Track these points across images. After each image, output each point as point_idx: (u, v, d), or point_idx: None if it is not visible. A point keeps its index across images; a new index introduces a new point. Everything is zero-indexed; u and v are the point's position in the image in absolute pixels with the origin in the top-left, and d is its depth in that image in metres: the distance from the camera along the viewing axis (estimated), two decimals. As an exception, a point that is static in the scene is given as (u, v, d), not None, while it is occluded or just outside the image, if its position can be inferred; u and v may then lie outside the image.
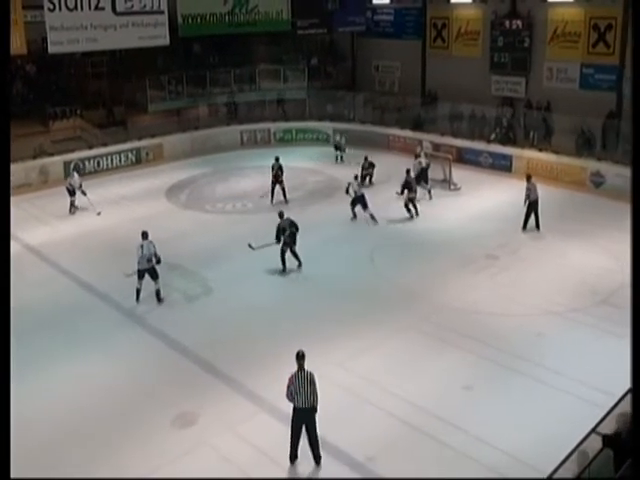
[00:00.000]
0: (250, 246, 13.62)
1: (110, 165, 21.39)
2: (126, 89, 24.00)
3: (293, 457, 7.96)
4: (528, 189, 15.24)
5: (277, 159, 18.14)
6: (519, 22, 22.39)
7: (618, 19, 19.95)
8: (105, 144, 21.60)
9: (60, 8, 17.99)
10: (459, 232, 15.40)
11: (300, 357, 7.87)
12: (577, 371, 9.67)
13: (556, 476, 6.65)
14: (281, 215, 13.57)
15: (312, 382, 7.79)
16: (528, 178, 15.52)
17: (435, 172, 18.51)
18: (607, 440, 6.76)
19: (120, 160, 21.64)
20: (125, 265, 13.81)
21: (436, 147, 21.32)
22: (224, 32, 23.62)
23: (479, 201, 17.81)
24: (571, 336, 10.82)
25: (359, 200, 16.00)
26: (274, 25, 24.55)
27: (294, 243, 13.35)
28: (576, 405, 8.82)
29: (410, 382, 9.58)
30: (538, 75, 22.15)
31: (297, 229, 13.37)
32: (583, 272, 13.08)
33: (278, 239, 13.31)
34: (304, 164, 18.66)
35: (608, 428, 7.02)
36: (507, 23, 22.68)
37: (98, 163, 21.15)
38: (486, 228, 15.59)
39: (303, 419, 7.83)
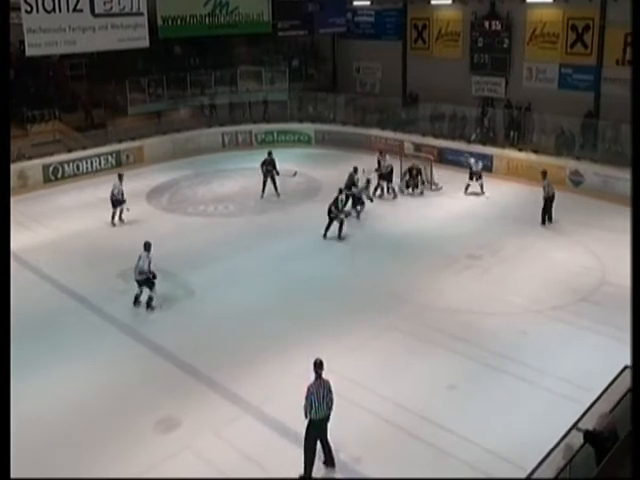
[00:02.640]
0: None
1: (90, 168, 21.20)
2: (106, 92, 23.79)
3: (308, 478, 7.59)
4: (544, 186, 15.71)
5: (270, 153, 18.29)
6: (498, 23, 22.61)
7: (595, 20, 20.24)
8: (85, 147, 21.40)
9: (37, 10, 17.75)
10: (441, 232, 15.50)
11: (318, 365, 7.64)
12: (558, 368, 9.79)
13: (539, 471, 6.74)
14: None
15: (330, 390, 7.64)
16: (544, 174, 15.93)
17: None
18: (588, 436, 6.85)
19: (100, 163, 21.46)
20: (106, 269, 13.74)
21: (417, 147, 21.43)
22: (204, 34, 23.48)
23: (460, 201, 17.94)
24: (552, 334, 10.94)
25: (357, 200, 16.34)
26: (255, 27, 24.46)
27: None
28: (558, 402, 8.93)
29: (394, 382, 9.62)
30: (517, 75, 22.39)
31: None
32: (564, 270, 13.23)
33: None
34: (286, 166, 18.62)
35: (589, 424, 7.11)
36: (487, 24, 22.90)
37: (78, 167, 20.95)
38: (468, 228, 15.71)
39: (318, 430, 7.60)
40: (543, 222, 15.76)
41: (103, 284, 13.06)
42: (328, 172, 18.03)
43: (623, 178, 16.17)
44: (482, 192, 17.99)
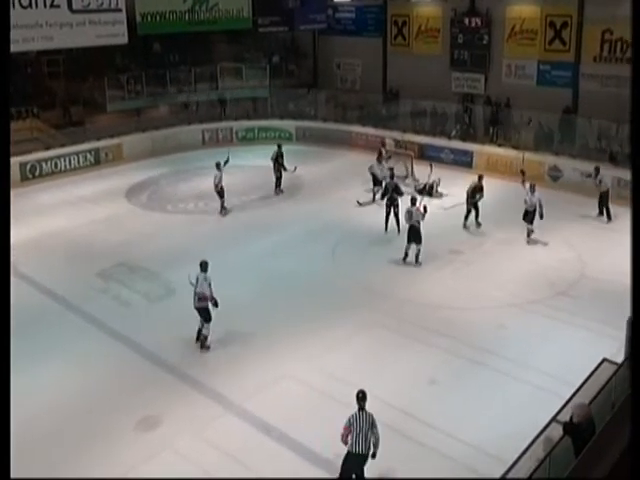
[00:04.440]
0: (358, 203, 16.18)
1: (68, 166, 20.94)
2: (84, 89, 23.54)
3: None
4: (598, 180, 16.14)
5: (279, 146, 18.42)
6: (478, 20, 22.72)
7: (573, 17, 20.44)
8: (63, 145, 21.12)
9: (14, 5, 17.51)
10: (422, 228, 15.50)
11: (361, 398, 7.26)
12: (538, 362, 9.89)
13: (520, 464, 6.80)
14: (392, 176, 15.72)
15: (373, 425, 7.14)
16: (597, 170, 16.18)
17: (397, 169, 18.59)
18: (567, 427, 6.92)
19: (78, 161, 21.20)
20: (85, 268, 13.58)
21: (398, 144, 21.48)
22: (184, 30, 23.35)
23: (440, 199, 17.98)
24: (532, 328, 11.04)
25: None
26: (235, 23, 24.38)
27: (396, 207, 14.93)
28: (538, 395, 9.01)
29: (376, 378, 9.61)
30: (497, 72, 22.54)
31: (400, 194, 15.06)
32: (543, 265, 13.35)
33: (383, 196, 15.28)
34: (267, 163, 18.54)
35: (568, 416, 7.18)
36: (466, 21, 23.00)
37: (56, 164, 20.68)
38: (449, 223, 15.77)
39: (356, 466, 7.16)
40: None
41: (82, 283, 12.91)
42: (309, 169, 18.00)
43: (593, 175, 16.30)
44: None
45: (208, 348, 10.46)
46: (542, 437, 7.22)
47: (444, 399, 9.16)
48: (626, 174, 17.12)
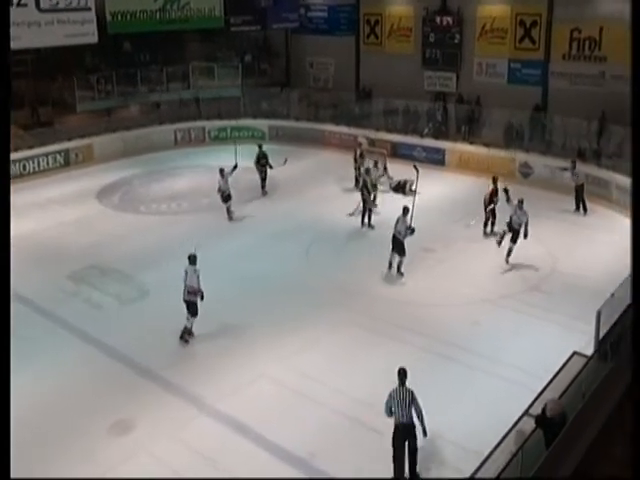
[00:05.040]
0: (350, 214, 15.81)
1: (37, 168, 20.56)
2: (53, 89, 23.13)
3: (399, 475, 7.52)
4: (575, 174, 16.25)
5: (260, 147, 18.29)
6: (449, 19, 22.91)
7: (543, 15, 20.74)
8: (31, 146, 20.73)
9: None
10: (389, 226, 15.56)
11: (402, 374, 7.72)
12: (510, 356, 10.01)
13: (493, 457, 6.88)
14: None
15: (413, 399, 7.56)
16: (573, 164, 16.40)
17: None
18: (539, 420, 7.03)
19: (48, 162, 20.83)
20: (55, 271, 13.36)
21: (371, 142, 21.54)
22: (155, 29, 23.12)
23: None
24: (504, 323, 11.17)
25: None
26: (206, 22, 24.24)
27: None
28: (510, 389, 9.10)
29: (350, 376, 9.66)
30: (468, 70, 22.76)
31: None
32: (516, 260, 13.47)
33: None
34: (240, 162, 18.45)
35: (540, 409, 7.28)
36: (438, 20, 23.17)
37: (24, 166, 20.28)
38: (422, 221, 15.75)
39: (403, 435, 7.50)
40: (577, 209, 16.52)
41: (52, 286, 12.71)
42: (283, 168, 17.93)
43: (570, 168, 16.62)
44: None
45: (187, 342, 10.57)
46: (514, 430, 7.32)
47: (418, 396, 9.17)
48: (595, 170, 17.47)
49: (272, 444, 8.21)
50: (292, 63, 28.05)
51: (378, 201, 16.34)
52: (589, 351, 8.73)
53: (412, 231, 12.80)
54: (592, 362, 8.29)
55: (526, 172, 18.82)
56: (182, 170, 20.80)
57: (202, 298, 10.48)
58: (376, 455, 7.96)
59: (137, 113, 24.59)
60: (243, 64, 26.26)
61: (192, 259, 10.56)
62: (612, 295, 9.09)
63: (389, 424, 8.48)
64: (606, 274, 11.89)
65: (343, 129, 22.99)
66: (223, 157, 20.85)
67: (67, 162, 21.25)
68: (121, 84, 23.83)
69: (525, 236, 13.10)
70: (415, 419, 7.55)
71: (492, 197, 14.87)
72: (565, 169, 16.81)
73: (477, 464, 6.82)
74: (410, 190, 18.22)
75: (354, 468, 7.73)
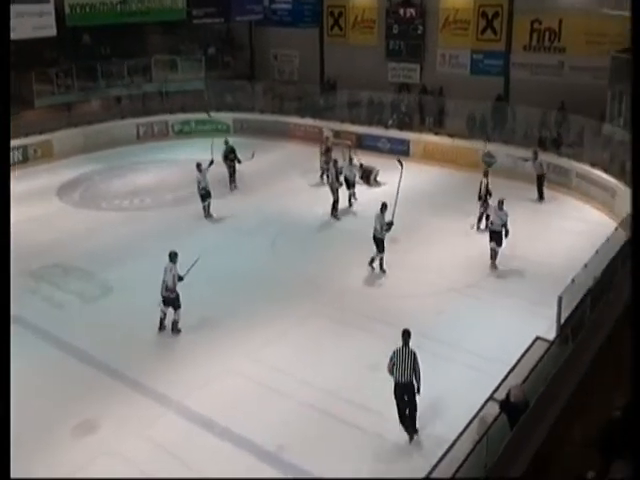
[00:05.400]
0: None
1: (-6, 165, 20.02)
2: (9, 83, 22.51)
3: (406, 428, 8.24)
4: (537, 164, 16.53)
5: (227, 142, 17.99)
6: (412, 10, 22.96)
7: (504, 6, 20.94)
8: (-13, 143, 20.17)
9: None
10: (360, 217, 15.64)
11: (406, 335, 8.29)
12: (474, 344, 10.15)
13: (459, 443, 6.97)
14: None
15: (414, 360, 8.07)
16: (535, 154, 16.66)
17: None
18: (504, 405, 7.15)
19: (6, 159, 20.30)
20: (14, 269, 13.00)
21: (336, 134, 21.55)
22: (115, 21, 22.69)
23: (378, 186, 18.13)
24: (467, 311, 11.32)
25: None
26: (168, 14, 23.90)
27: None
28: (474, 375, 9.23)
29: (318, 368, 9.67)
30: (432, 61, 22.88)
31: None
32: (478, 249, 13.61)
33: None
34: (204, 156, 18.18)
35: (504, 394, 7.39)
36: (401, 11, 23.21)
37: (-20, 163, 19.74)
38: (387, 212, 15.89)
39: (402, 392, 8.09)
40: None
41: (12, 285, 12.36)
42: (248, 162, 17.77)
43: (532, 158, 16.90)
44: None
45: (179, 331, 10.66)
46: (479, 417, 7.43)
47: (384, 385, 9.20)
48: (555, 159, 17.77)
49: (240, 438, 8.19)
50: (256, 55, 27.82)
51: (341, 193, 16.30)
52: (551, 335, 8.89)
53: (389, 226, 12.76)
54: (554, 346, 8.45)
55: (489, 161, 19.02)
56: (145, 165, 20.47)
57: (181, 279, 10.55)
58: (345, 447, 8.01)
59: (98, 107, 24.10)
60: (206, 57, 25.97)
61: (172, 256, 10.53)
62: (572, 281, 9.28)
63: (359, 415, 8.57)
64: (567, 260, 12.12)
65: (308, 121, 22.92)
66: (187, 151, 20.72)
67: (25, 158, 20.73)
68: (81, 78, 23.32)
69: (506, 235, 12.85)
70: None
71: (488, 190, 14.74)
72: (526, 159, 17.07)
73: (443, 450, 6.91)
74: (375, 181, 18.31)
75: (324, 461, 7.75)
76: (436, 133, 20.74)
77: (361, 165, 18.29)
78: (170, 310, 10.71)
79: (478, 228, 14.78)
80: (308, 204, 16.63)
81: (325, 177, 17.79)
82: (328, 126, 21.53)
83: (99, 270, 13.04)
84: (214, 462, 7.81)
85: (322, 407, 8.79)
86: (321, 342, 10.44)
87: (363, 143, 21.19)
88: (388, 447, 8.02)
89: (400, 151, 20.41)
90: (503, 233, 12.87)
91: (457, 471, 6.05)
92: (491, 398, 7.76)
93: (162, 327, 10.77)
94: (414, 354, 8.10)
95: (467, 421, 7.31)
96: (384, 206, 12.89)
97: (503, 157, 18.37)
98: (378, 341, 10.31)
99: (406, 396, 8.09)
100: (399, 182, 13.16)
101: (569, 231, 14.63)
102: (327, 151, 18.30)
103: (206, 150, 17.46)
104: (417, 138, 20.75)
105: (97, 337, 10.60)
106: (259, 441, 8.13)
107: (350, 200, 16.66)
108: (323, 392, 9.09)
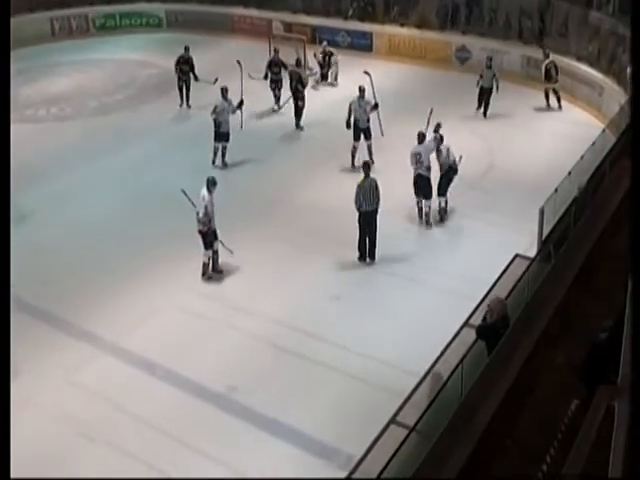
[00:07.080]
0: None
1: None
2: None
3: (361, 255, 10.11)
4: (481, 76, 15.38)
5: (187, 49, 16.49)
6: None
7: None
8: None
9: None
10: (319, 124, 15.16)
11: (366, 167, 10.18)
12: (448, 264, 10.09)
13: (432, 373, 6.95)
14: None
15: (376, 187, 9.83)
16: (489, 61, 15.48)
17: (287, 56, 17.90)
18: (480, 331, 7.12)
19: None
20: None
21: (288, 27, 20.67)
22: None
23: (339, 87, 17.59)
24: (442, 228, 11.18)
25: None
26: None
27: (301, 99, 15.09)
28: (449, 299, 9.17)
29: (274, 298, 9.49)
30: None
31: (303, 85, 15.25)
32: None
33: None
34: (133, 55, 17.31)
35: (481, 318, 7.35)
36: None
37: None
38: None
39: (367, 220, 9.86)
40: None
41: None
42: (208, 84, 16.81)
43: (511, 52, 16.46)
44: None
45: (210, 278, 9.95)
46: (455, 343, 7.41)
47: (348, 314, 9.17)
48: (534, 52, 17.36)
49: (185, 380, 8.04)
50: None
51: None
52: (532, 252, 8.84)
53: (376, 106, 13.08)
54: (535, 264, 8.40)
55: (463, 57, 18.58)
56: (62, 67, 19.35)
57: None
58: (301, 385, 7.95)
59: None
60: None
61: (210, 183, 9.64)
62: (556, 190, 9.15)
63: (315, 349, 8.49)
64: (548, 167, 12.01)
65: (254, 12, 22.06)
66: (111, 50, 19.62)
67: None
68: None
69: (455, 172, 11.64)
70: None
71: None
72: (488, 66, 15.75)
73: (414, 383, 6.87)
74: (335, 81, 17.80)
75: (278, 400, 7.68)
76: (402, 24, 20.03)
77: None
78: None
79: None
80: (261, 109, 15.99)
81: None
82: (278, 18, 20.60)
83: (12, 193, 12.29)
84: (155, 406, 7.68)
85: (280, 343, 8.67)
86: (277, 269, 10.20)
87: (319, 37, 20.37)
88: (358, 385, 7.97)
89: (362, 46, 19.85)
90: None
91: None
92: (467, 324, 7.72)
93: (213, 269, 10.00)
94: (376, 182, 9.79)
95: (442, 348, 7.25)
96: (362, 90, 12.92)
97: (478, 52, 17.90)
98: (339, 265, 10.24)
99: (370, 223, 9.79)
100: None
101: (552, 134, 14.48)
102: (297, 64, 17.12)
103: (134, 48, 16.53)
104: (381, 30, 20.09)
105: (12, 269, 10.09)
106: (206, 382, 8.01)
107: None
108: (280, 325, 8.95)
